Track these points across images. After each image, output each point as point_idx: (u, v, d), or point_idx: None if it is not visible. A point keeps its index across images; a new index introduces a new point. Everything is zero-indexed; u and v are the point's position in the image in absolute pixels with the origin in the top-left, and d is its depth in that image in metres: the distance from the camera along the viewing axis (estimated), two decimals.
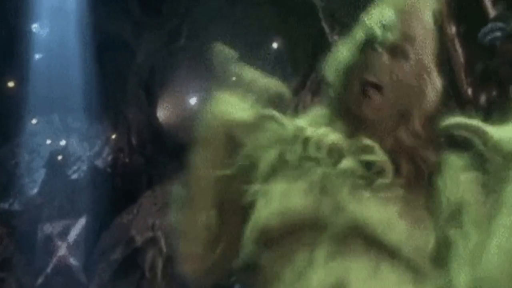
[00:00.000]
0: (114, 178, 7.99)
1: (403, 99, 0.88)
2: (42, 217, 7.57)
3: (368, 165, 0.86)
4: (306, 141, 0.89)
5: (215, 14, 8.09)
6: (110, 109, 8.22)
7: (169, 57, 8.38)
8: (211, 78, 1.05)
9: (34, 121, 8.28)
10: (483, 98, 3.36)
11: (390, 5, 0.88)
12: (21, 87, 7.88)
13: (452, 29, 3.64)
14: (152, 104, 8.57)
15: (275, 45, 7.98)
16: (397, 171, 0.87)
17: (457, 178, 0.85)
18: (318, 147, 0.88)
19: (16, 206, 7.87)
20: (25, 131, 8.22)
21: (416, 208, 0.85)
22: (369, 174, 0.86)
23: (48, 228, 7.50)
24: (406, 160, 0.87)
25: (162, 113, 8.74)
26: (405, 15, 0.87)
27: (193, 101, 8.60)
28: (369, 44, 0.88)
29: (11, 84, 7.97)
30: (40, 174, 8.19)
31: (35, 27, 8.22)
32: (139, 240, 7.15)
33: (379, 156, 0.86)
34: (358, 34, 0.91)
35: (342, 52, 0.92)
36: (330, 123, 0.91)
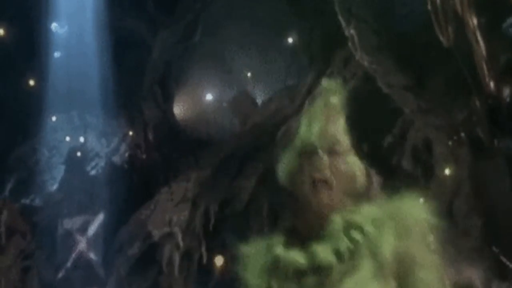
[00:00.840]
0: (131, 174, 8.08)
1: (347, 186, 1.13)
2: (62, 212, 7.72)
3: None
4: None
5: (230, 10, 8.08)
6: (127, 106, 8.31)
7: (185, 53, 8.41)
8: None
9: (53, 118, 8.43)
10: (506, 92, 3.26)
11: (313, 118, 1.17)
12: (41, 85, 8.03)
13: (474, 21, 3.53)
14: (168, 100, 8.62)
15: (290, 40, 7.93)
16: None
17: None
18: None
19: (37, 202, 8.04)
20: (45, 128, 8.37)
21: None
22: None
23: (68, 223, 7.65)
24: None
25: (178, 109, 8.79)
26: (327, 123, 1.16)
27: (208, 96, 8.63)
28: (308, 150, 1.13)
29: (31, 82, 8.13)
30: (60, 171, 8.34)
31: (54, 26, 8.36)
32: (156, 235, 7.23)
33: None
34: (297, 144, 1.16)
35: (288, 160, 1.17)
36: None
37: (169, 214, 7.30)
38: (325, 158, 1.13)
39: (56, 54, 8.30)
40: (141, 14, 8.39)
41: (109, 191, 7.60)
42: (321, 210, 1.10)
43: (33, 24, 7.82)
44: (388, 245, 1.05)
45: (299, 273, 1.06)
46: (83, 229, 7.64)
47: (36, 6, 7.76)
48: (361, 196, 1.13)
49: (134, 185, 7.83)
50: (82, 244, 7.56)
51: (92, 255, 7.54)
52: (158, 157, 8.25)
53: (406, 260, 1.06)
